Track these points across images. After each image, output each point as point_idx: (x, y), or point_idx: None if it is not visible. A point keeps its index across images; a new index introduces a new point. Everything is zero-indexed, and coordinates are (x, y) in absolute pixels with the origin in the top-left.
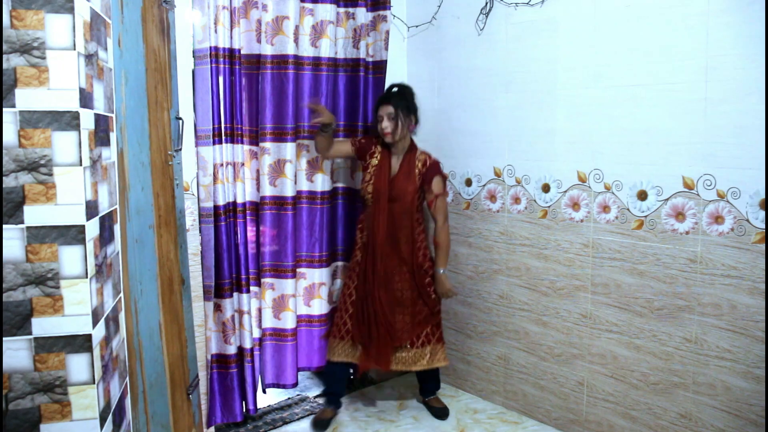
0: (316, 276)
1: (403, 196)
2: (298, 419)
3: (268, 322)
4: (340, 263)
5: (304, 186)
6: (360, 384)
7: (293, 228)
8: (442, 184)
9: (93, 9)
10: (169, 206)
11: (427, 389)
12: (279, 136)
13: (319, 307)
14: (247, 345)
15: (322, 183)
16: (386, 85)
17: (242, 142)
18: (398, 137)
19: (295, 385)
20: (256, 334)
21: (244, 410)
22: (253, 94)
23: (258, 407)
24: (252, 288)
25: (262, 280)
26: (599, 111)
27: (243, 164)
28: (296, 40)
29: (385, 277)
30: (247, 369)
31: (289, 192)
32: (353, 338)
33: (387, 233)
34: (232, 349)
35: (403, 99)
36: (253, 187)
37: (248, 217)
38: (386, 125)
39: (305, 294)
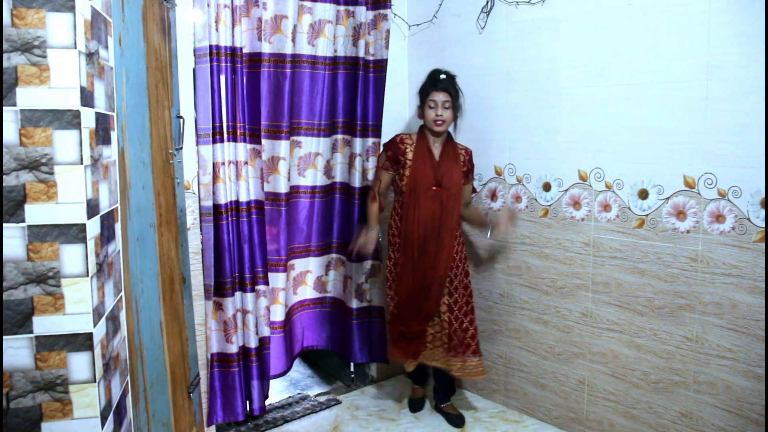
0: (302, 265)
1: (451, 180)
2: (299, 418)
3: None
4: (334, 255)
5: (298, 181)
6: (360, 382)
7: (286, 223)
8: None
9: (94, 7)
10: (170, 205)
11: (444, 393)
12: (273, 134)
13: (303, 293)
14: (252, 344)
15: (313, 178)
16: (386, 85)
17: (244, 141)
18: (447, 128)
19: (284, 373)
20: (265, 332)
21: (248, 409)
22: (253, 92)
23: (261, 407)
24: (257, 287)
25: (269, 274)
26: (600, 110)
27: (246, 162)
28: (295, 39)
29: (428, 262)
30: (252, 368)
31: (282, 189)
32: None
33: (432, 223)
34: (233, 348)
35: (455, 87)
36: (256, 186)
37: (254, 216)
38: (441, 113)
39: (294, 284)
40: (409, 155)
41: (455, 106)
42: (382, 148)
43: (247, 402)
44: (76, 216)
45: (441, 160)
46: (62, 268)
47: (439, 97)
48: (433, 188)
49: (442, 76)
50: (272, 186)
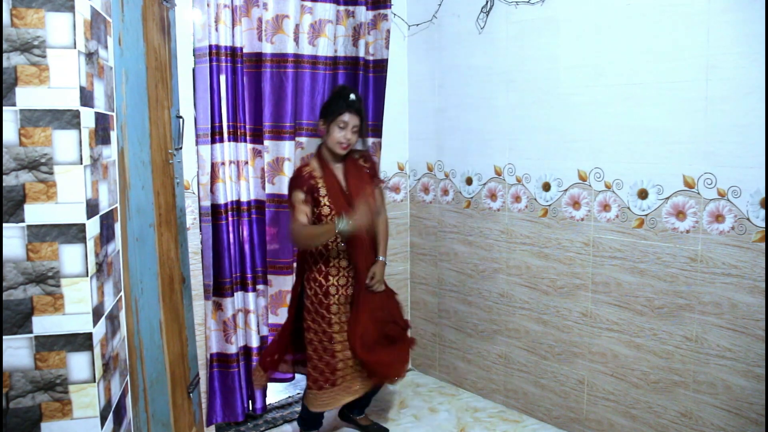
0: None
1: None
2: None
3: (269, 319)
4: None
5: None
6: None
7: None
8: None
9: (93, 7)
10: (169, 205)
11: (360, 404)
12: (277, 135)
13: None
14: (254, 344)
15: None
16: (386, 85)
17: (245, 141)
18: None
19: (293, 378)
20: (264, 332)
21: (250, 409)
22: (254, 92)
23: (264, 406)
24: (258, 287)
25: (268, 277)
26: (600, 109)
27: (246, 162)
28: (296, 39)
29: (370, 295)
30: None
31: (287, 190)
32: (345, 377)
33: (365, 248)
34: (233, 348)
35: (364, 111)
36: (256, 186)
37: (254, 216)
38: (351, 137)
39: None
40: (323, 191)
41: (361, 132)
42: (291, 185)
43: (250, 401)
44: (75, 216)
45: (348, 182)
46: (62, 268)
47: (351, 119)
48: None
49: (353, 96)
50: (277, 187)
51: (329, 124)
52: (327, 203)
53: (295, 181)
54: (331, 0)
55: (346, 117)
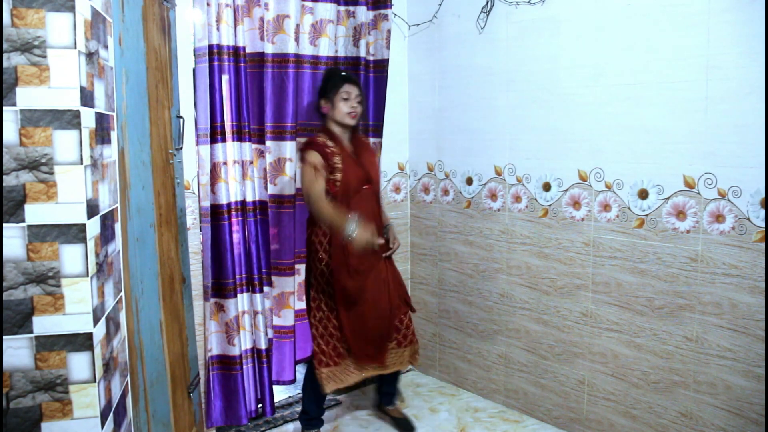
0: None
1: (376, 173)
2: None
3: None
4: None
5: (300, 183)
6: (360, 383)
7: (293, 227)
8: None
9: (94, 7)
10: (169, 205)
11: (390, 394)
12: (279, 135)
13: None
14: (263, 345)
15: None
16: (387, 85)
17: (249, 140)
18: (357, 122)
19: (294, 381)
20: (270, 333)
21: (259, 412)
22: (256, 92)
23: (273, 408)
24: (265, 288)
25: (278, 278)
26: (600, 109)
27: (251, 162)
28: (297, 39)
29: (378, 270)
30: (264, 369)
31: (288, 191)
32: (352, 356)
33: (374, 223)
34: (236, 350)
35: (360, 83)
36: (259, 186)
37: (259, 216)
38: (356, 107)
39: (299, 290)
40: (337, 159)
41: (363, 102)
42: (305, 147)
43: (259, 405)
44: (76, 216)
45: (359, 156)
46: (62, 268)
47: (353, 90)
48: (364, 187)
49: (344, 73)
50: (279, 188)
51: (333, 99)
52: (341, 169)
53: (310, 145)
54: (332, 0)
55: (349, 88)
